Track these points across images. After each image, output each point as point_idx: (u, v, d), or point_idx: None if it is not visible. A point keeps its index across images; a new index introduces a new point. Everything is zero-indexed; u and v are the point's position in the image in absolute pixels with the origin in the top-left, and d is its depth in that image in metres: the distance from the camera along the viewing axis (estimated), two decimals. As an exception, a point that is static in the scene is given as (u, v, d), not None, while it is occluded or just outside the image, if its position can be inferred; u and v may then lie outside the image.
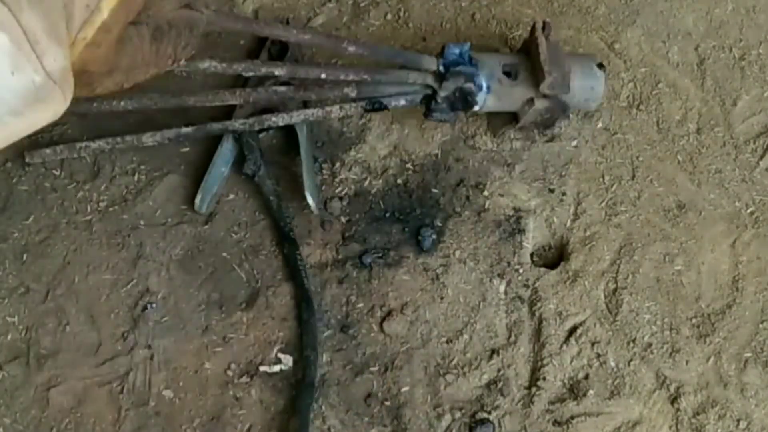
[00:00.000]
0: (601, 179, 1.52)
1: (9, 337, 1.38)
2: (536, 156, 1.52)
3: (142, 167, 1.51)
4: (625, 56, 1.63)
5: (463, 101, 1.39)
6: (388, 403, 1.35)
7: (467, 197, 1.49)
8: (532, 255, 1.48)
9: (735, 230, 1.49)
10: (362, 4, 1.68)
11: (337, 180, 1.50)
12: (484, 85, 1.39)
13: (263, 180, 1.45)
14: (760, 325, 1.42)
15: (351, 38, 1.41)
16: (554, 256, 1.48)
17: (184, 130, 1.44)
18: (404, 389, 1.36)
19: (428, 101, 1.41)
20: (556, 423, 1.33)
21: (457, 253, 1.45)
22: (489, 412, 1.34)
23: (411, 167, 1.52)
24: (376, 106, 1.42)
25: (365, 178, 1.51)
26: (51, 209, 1.47)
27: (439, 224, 1.47)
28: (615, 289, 1.43)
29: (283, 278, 1.43)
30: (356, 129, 1.55)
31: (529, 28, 1.44)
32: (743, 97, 1.61)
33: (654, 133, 1.57)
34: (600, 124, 1.57)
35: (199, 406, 1.35)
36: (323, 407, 1.34)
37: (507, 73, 1.42)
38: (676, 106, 1.59)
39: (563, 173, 1.52)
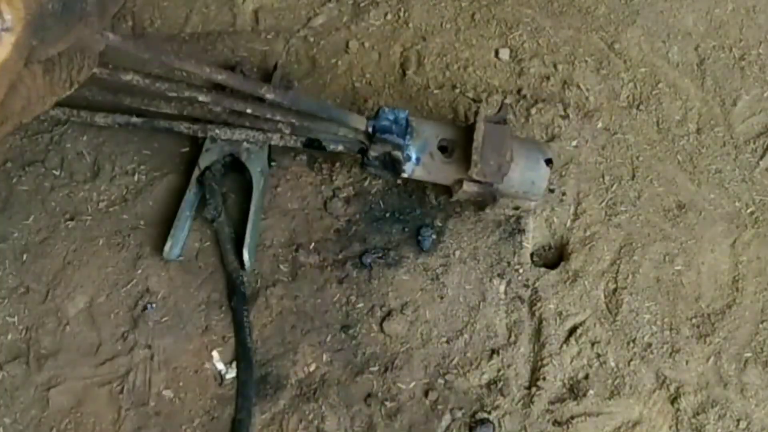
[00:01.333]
0: (601, 179, 1.52)
1: (9, 337, 1.38)
2: (536, 156, 1.52)
3: (142, 167, 1.51)
4: (625, 56, 1.63)
5: (391, 166, 1.38)
6: (388, 403, 1.35)
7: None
8: (532, 255, 1.48)
9: (735, 230, 1.49)
10: (362, 4, 1.68)
11: (337, 180, 1.50)
12: (413, 156, 1.36)
13: (221, 227, 1.44)
14: (760, 325, 1.42)
15: (272, 86, 1.37)
16: (554, 256, 1.48)
17: (134, 119, 1.45)
18: (404, 389, 1.36)
19: (364, 154, 1.39)
20: (556, 423, 1.33)
21: (457, 253, 1.45)
22: (489, 412, 1.34)
23: (411, 167, 1.52)
24: (315, 144, 1.41)
25: (365, 178, 1.51)
26: (51, 209, 1.47)
27: (439, 224, 1.47)
28: (615, 289, 1.43)
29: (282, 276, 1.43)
30: (356, 129, 1.55)
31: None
32: (743, 97, 1.61)
33: (654, 133, 1.57)
34: (600, 124, 1.57)
35: (199, 406, 1.34)
36: (323, 407, 1.34)
37: (443, 147, 1.37)
38: (676, 106, 1.59)
39: (563, 173, 1.52)
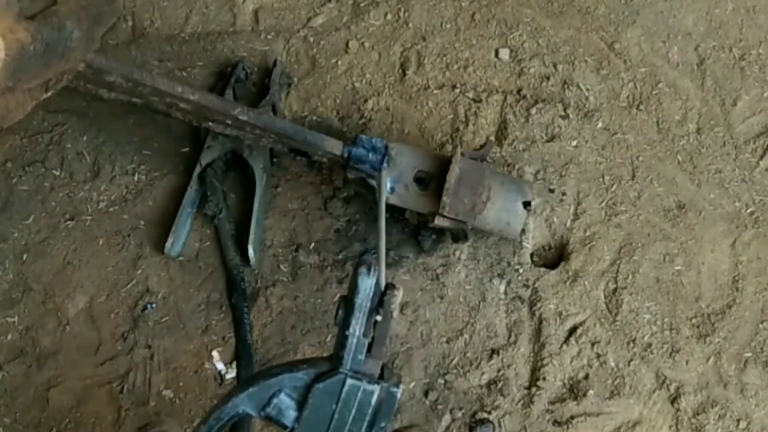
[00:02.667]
0: (601, 179, 1.52)
1: (9, 337, 1.38)
2: (536, 156, 1.52)
3: (142, 167, 1.51)
4: (625, 56, 1.63)
5: (369, 189, 1.37)
6: (388, 403, 1.35)
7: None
8: (532, 255, 1.48)
9: (735, 230, 1.49)
10: (362, 4, 1.68)
11: (337, 180, 1.50)
12: (388, 186, 1.34)
13: (222, 223, 1.44)
14: (760, 325, 1.42)
15: (245, 107, 1.34)
16: (554, 256, 1.48)
17: (135, 99, 1.37)
18: (404, 389, 1.36)
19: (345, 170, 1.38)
20: (556, 423, 1.33)
21: (457, 253, 1.45)
22: (489, 412, 1.34)
23: (411, 167, 1.52)
24: (300, 154, 1.41)
25: (365, 178, 1.50)
26: (51, 209, 1.47)
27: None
28: (615, 289, 1.43)
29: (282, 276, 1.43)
30: (356, 129, 1.55)
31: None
32: (743, 97, 1.61)
33: (654, 133, 1.57)
34: (600, 124, 1.56)
35: (199, 406, 1.34)
36: (323, 407, 1.34)
37: (420, 179, 1.35)
38: (676, 106, 1.59)
39: (563, 173, 1.52)
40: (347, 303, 0.90)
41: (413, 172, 1.35)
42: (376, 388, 0.89)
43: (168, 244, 1.40)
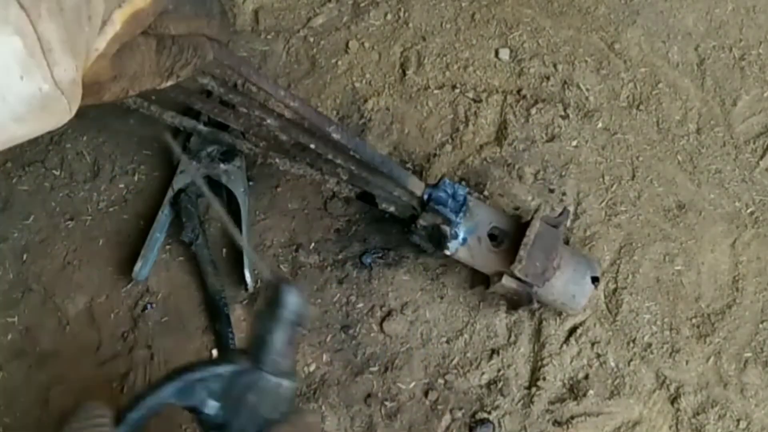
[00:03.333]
0: (601, 179, 1.52)
1: (9, 337, 1.38)
2: (536, 156, 1.52)
3: (142, 167, 1.51)
4: (625, 56, 1.63)
5: (437, 240, 1.32)
6: (388, 403, 1.35)
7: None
8: (532, 255, 1.48)
9: (735, 230, 1.49)
10: (362, 4, 1.68)
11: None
12: (461, 236, 1.31)
13: (200, 249, 1.41)
14: (760, 325, 1.42)
15: (339, 124, 1.29)
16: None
17: (200, 126, 1.42)
18: (404, 389, 1.36)
19: (412, 220, 1.34)
20: (556, 423, 1.33)
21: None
22: (489, 412, 1.34)
23: (411, 167, 1.52)
24: (368, 199, 1.37)
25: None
26: (51, 209, 1.47)
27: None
28: (615, 289, 1.43)
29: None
30: (356, 129, 1.55)
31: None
32: (743, 97, 1.61)
33: (654, 133, 1.57)
34: (600, 124, 1.57)
35: (199, 406, 1.34)
36: (323, 407, 1.34)
37: (493, 236, 1.32)
38: (676, 106, 1.59)
39: (563, 173, 1.52)
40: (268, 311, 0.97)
41: (488, 226, 1.32)
42: (292, 383, 0.98)
43: (136, 268, 1.38)
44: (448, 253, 1.34)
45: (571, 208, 1.49)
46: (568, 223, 1.46)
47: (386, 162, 1.31)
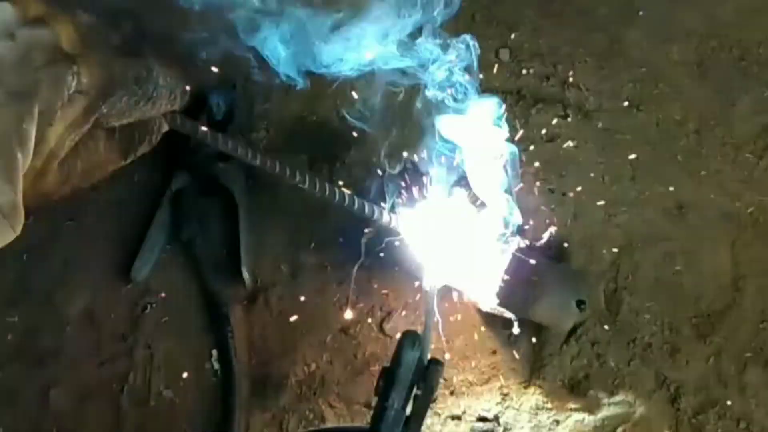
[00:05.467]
0: (601, 179, 1.52)
1: (9, 337, 1.38)
2: (536, 156, 1.52)
3: (142, 167, 1.50)
4: (625, 56, 1.63)
5: None
6: (388, 403, 1.35)
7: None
8: (532, 255, 1.48)
9: (735, 230, 1.49)
10: (362, 4, 1.67)
11: (337, 180, 1.50)
12: None
13: (199, 249, 1.42)
14: (760, 325, 1.42)
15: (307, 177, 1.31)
16: (554, 257, 1.48)
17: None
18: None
19: None
20: (556, 423, 1.33)
21: (457, 253, 1.45)
22: (489, 412, 1.34)
23: (411, 167, 1.52)
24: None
25: (365, 179, 1.50)
26: (51, 209, 1.47)
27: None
28: (615, 289, 1.43)
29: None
30: (356, 129, 1.55)
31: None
32: (743, 97, 1.61)
33: (654, 133, 1.57)
34: (600, 124, 1.56)
35: (199, 406, 1.34)
36: (323, 407, 1.34)
37: None
38: (676, 106, 1.59)
39: (563, 173, 1.52)
40: (388, 374, 0.93)
41: None
42: None
43: (135, 268, 1.39)
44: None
45: (571, 208, 1.49)
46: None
47: (359, 204, 1.31)
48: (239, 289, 1.41)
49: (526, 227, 1.42)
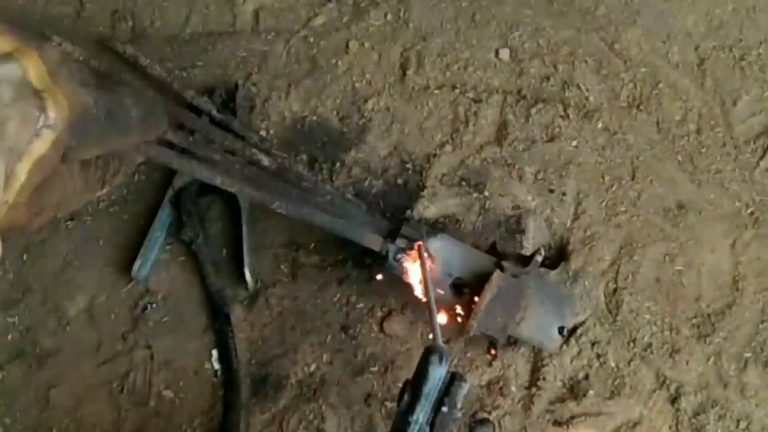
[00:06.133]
0: (601, 179, 1.52)
1: (9, 337, 1.38)
2: (536, 156, 1.52)
3: (143, 167, 1.51)
4: (625, 56, 1.63)
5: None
6: (388, 403, 1.35)
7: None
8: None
9: (735, 230, 1.49)
10: (362, 4, 1.68)
11: (337, 180, 1.50)
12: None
13: (200, 248, 1.42)
14: (760, 325, 1.42)
15: (282, 202, 1.28)
16: (554, 256, 1.48)
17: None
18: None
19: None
20: (556, 423, 1.33)
21: (457, 253, 1.45)
22: (489, 412, 1.34)
23: (411, 167, 1.52)
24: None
25: (365, 178, 1.51)
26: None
27: (440, 224, 1.47)
28: (615, 289, 1.43)
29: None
30: (356, 129, 1.55)
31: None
32: (743, 97, 1.61)
33: (654, 133, 1.57)
34: (600, 124, 1.56)
35: (199, 406, 1.35)
36: (323, 407, 1.34)
37: (457, 285, 1.32)
38: (676, 106, 1.59)
39: (563, 173, 1.52)
40: (413, 389, 0.93)
41: (449, 278, 1.32)
42: None
43: (135, 267, 1.39)
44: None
45: (571, 208, 1.49)
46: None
47: (337, 227, 1.31)
48: (240, 290, 1.41)
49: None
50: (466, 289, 1.32)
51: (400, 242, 1.30)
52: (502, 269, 1.30)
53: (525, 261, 1.34)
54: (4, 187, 0.80)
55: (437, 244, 1.33)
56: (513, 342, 1.37)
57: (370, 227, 1.33)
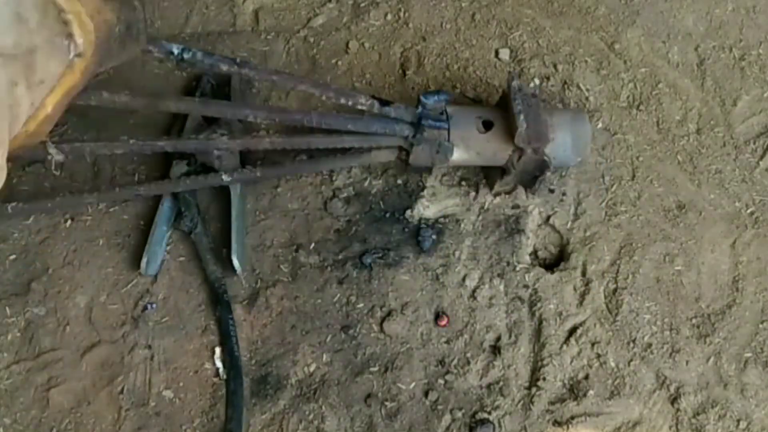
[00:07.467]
0: (601, 179, 1.52)
1: (9, 337, 1.38)
2: (536, 156, 1.52)
3: (142, 167, 1.51)
4: (625, 56, 1.63)
5: (439, 154, 1.37)
6: (388, 403, 1.35)
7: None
8: (531, 255, 1.48)
9: (735, 230, 1.49)
10: (362, 4, 1.68)
11: (337, 180, 1.50)
12: (458, 139, 1.37)
13: (199, 238, 1.42)
14: (760, 325, 1.42)
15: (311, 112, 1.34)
16: (554, 256, 1.48)
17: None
18: (404, 389, 1.36)
19: (404, 152, 1.39)
20: (556, 423, 1.33)
21: (457, 253, 1.45)
22: (489, 412, 1.34)
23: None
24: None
25: (365, 178, 1.51)
26: (51, 209, 1.47)
27: (439, 224, 1.47)
28: (615, 289, 1.43)
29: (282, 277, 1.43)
30: (356, 129, 1.55)
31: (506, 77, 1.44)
32: (743, 97, 1.61)
33: (654, 133, 1.57)
34: (600, 124, 1.57)
35: (199, 406, 1.35)
36: (323, 407, 1.34)
37: (486, 123, 1.38)
38: (676, 106, 1.59)
39: (563, 173, 1.52)
40: None
41: (476, 120, 1.38)
42: None
43: (143, 264, 1.39)
44: (450, 162, 1.38)
45: (571, 208, 1.49)
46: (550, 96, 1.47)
47: (365, 122, 1.34)
48: (231, 278, 1.41)
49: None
50: (493, 124, 1.37)
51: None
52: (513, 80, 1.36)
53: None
54: (30, 117, 0.79)
55: (452, 107, 1.38)
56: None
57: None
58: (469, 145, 1.37)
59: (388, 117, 1.33)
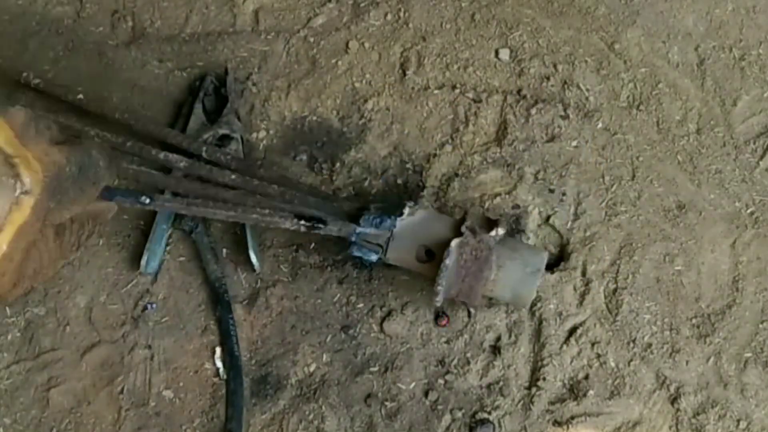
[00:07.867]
0: (601, 179, 1.52)
1: (9, 337, 1.38)
2: (536, 156, 1.52)
3: (142, 167, 1.51)
4: (625, 56, 1.63)
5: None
6: (388, 403, 1.35)
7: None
8: (532, 255, 1.48)
9: (735, 230, 1.49)
10: (362, 4, 1.68)
11: (337, 180, 1.50)
12: (394, 259, 1.31)
13: (200, 237, 1.42)
14: (760, 325, 1.42)
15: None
16: (554, 256, 1.48)
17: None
18: (404, 389, 1.36)
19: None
20: (556, 423, 1.33)
21: (457, 253, 1.45)
22: (489, 413, 1.34)
23: (411, 167, 1.52)
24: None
25: (365, 178, 1.51)
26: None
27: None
28: (615, 289, 1.43)
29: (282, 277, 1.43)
30: (356, 129, 1.55)
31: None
32: (743, 97, 1.61)
33: (654, 133, 1.57)
34: (600, 124, 1.57)
35: (199, 406, 1.35)
36: (323, 407, 1.34)
37: (428, 253, 1.29)
38: (676, 106, 1.59)
39: (563, 173, 1.52)
40: None
41: (417, 248, 1.30)
42: None
43: (143, 262, 1.39)
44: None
45: (571, 208, 1.49)
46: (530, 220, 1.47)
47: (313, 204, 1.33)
48: (239, 289, 1.41)
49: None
50: (434, 255, 1.29)
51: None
52: (460, 235, 1.26)
53: (490, 224, 1.29)
54: None
55: (404, 221, 1.30)
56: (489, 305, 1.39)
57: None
58: (404, 267, 1.33)
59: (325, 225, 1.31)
